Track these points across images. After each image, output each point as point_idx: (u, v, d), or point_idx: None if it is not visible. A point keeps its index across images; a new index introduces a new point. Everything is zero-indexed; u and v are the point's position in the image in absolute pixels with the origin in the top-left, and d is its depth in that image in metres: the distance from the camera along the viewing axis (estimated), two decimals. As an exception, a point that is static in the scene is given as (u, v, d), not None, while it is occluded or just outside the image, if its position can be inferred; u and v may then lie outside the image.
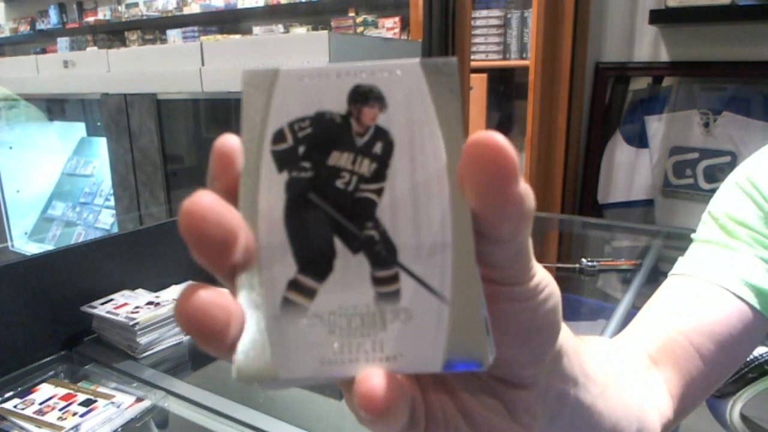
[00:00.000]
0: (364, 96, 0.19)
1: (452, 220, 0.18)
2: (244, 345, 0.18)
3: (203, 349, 0.17)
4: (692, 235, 0.50)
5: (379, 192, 0.19)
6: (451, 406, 0.22)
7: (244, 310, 0.18)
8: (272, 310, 0.18)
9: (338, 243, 0.19)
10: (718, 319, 0.43)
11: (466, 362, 0.18)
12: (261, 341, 0.18)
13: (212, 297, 0.17)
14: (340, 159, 0.19)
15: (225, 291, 0.17)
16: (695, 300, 0.45)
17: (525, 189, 0.18)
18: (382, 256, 0.18)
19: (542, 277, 0.21)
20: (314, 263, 0.18)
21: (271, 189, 0.19)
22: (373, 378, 0.17)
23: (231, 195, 0.18)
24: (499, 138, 0.17)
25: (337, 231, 0.19)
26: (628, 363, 0.40)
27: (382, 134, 0.19)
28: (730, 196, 0.49)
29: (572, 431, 0.29)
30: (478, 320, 0.18)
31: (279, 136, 0.19)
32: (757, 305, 0.44)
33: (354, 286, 0.18)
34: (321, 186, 0.19)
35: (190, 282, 0.17)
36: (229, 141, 0.18)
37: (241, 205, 0.18)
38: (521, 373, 0.22)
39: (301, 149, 0.19)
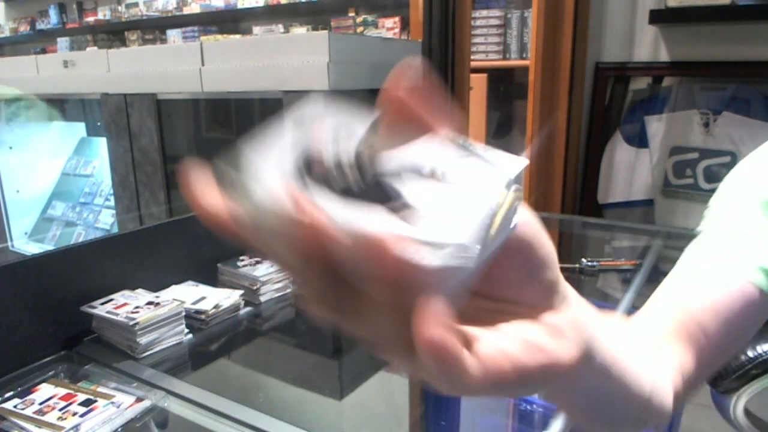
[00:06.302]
0: None
1: None
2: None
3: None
4: (697, 229, 0.51)
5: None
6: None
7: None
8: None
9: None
10: (725, 298, 0.44)
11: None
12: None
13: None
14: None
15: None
16: (702, 281, 0.46)
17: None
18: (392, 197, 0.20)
19: None
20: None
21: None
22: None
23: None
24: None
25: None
26: (640, 335, 0.42)
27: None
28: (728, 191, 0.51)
29: (604, 375, 0.31)
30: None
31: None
32: (763, 286, 0.44)
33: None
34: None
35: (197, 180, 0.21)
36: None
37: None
38: (521, 289, 0.25)
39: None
